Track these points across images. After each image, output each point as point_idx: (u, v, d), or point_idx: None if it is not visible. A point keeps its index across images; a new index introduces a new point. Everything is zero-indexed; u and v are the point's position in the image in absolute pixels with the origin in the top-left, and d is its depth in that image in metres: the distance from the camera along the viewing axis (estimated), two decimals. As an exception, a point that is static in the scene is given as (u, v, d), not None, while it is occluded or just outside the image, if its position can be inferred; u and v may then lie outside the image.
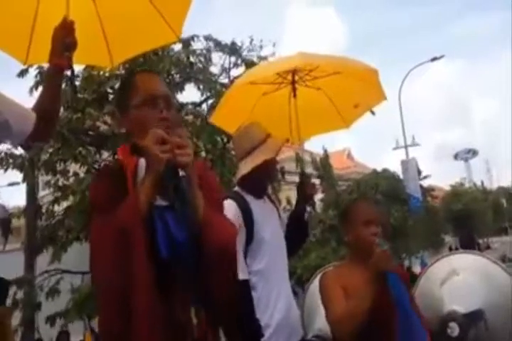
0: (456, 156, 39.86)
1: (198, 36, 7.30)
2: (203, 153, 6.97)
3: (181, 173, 1.39)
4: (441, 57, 20.40)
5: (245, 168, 2.27)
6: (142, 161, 1.42)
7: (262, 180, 2.35)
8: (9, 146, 5.82)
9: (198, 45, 7.40)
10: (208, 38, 7.47)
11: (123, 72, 6.56)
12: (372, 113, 2.75)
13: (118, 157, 1.49)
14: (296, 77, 2.55)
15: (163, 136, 1.36)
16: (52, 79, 1.84)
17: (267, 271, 2.17)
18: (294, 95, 2.52)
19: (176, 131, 1.40)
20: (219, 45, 7.54)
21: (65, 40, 1.73)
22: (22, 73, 6.66)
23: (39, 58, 2.05)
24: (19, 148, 5.38)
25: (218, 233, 1.36)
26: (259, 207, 2.26)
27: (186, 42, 7.12)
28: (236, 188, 2.33)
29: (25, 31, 2.00)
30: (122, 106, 1.54)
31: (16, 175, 6.97)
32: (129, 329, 1.24)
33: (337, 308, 1.98)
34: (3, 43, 2.05)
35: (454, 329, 2.99)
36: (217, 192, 1.55)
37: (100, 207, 1.39)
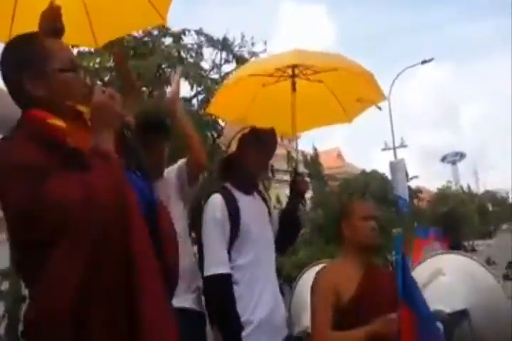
0: (443, 159, 40.08)
1: (189, 30, 7.23)
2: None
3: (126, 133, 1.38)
4: (431, 60, 20.53)
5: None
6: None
7: (252, 176, 2.34)
8: None
9: (188, 40, 7.34)
10: (199, 33, 7.40)
11: (113, 64, 6.49)
12: (379, 108, 2.72)
13: (45, 121, 1.31)
14: (297, 71, 2.51)
15: (113, 93, 1.32)
16: None
17: (251, 267, 2.14)
18: (294, 89, 2.49)
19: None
20: (210, 41, 7.47)
21: (52, 25, 1.71)
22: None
23: None
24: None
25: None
26: (248, 203, 2.24)
27: (177, 36, 7.06)
28: (225, 183, 2.30)
29: (6, 12, 1.95)
30: (35, 70, 1.37)
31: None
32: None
33: (320, 319, 2.09)
34: None
35: (438, 328, 3.01)
36: None
37: (41, 169, 1.20)
